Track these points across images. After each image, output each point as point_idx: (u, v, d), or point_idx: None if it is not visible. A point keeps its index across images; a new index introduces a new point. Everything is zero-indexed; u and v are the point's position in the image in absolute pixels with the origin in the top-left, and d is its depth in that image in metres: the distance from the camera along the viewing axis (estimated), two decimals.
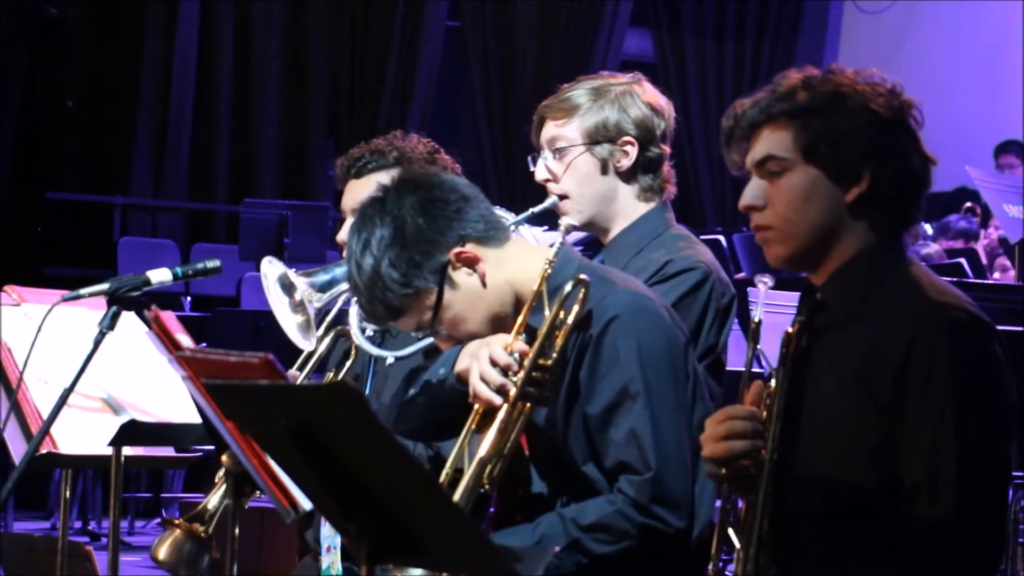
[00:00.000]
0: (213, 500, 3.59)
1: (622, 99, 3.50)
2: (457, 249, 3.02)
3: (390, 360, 3.53)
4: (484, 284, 3.03)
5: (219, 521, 3.54)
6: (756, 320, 2.74)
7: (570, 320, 2.95)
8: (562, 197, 3.53)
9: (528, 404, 2.93)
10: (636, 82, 3.55)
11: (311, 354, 3.78)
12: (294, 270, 3.50)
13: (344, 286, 3.53)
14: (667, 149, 3.55)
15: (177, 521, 3.59)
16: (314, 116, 13.19)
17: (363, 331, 3.44)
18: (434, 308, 3.01)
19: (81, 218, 12.30)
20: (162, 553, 3.56)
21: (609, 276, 3.10)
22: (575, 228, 3.34)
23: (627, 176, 3.51)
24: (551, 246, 3.09)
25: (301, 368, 3.79)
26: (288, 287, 3.53)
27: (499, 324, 3.05)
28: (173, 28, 12.50)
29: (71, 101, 12.58)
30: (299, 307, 3.52)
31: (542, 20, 14.07)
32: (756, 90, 2.75)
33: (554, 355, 2.94)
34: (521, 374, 2.91)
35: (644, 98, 3.52)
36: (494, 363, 2.94)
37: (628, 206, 3.51)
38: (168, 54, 12.48)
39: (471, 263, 3.03)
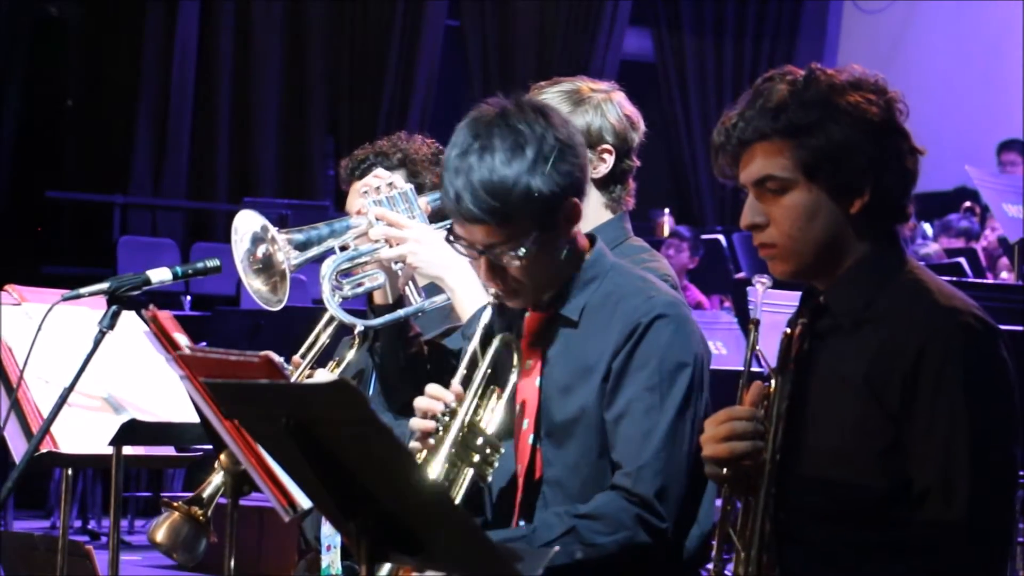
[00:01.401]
0: (211, 485, 3.58)
1: (604, 106, 3.51)
2: (576, 199, 3.01)
3: (359, 328, 3.52)
4: (567, 241, 3.04)
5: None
6: (755, 320, 2.74)
7: (507, 390, 2.99)
8: None
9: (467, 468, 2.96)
10: (614, 91, 3.56)
11: (313, 343, 3.77)
12: (276, 229, 3.49)
13: (320, 248, 3.51)
14: (637, 163, 3.57)
15: (176, 504, 3.59)
16: (314, 116, 13.20)
17: (334, 295, 3.42)
18: (537, 239, 2.95)
19: (81, 217, 12.31)
20: (160, 535, 3.57)
21: (648, 277, 3.11)
22: None
23: (600, 184, 3.53)
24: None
25: (304, 356, 3.78)
26: (260, 241, 3.50)
27: (548, 289, 3.04)
28: (173, 28, 12.51)
29: (71, 101, 12.59)
30: (266, 265, 3.50)
31: (542, 20, 14.09)
32: (743, 95, 2.73)
33: (493, 426, 2.98)
34: (459, 418, 2.95)
35: (623, 110, 3.53)
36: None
37: (594, 212, 3.53)
38: (168, 54, 12.49)
39: (576, 220, 3.03)
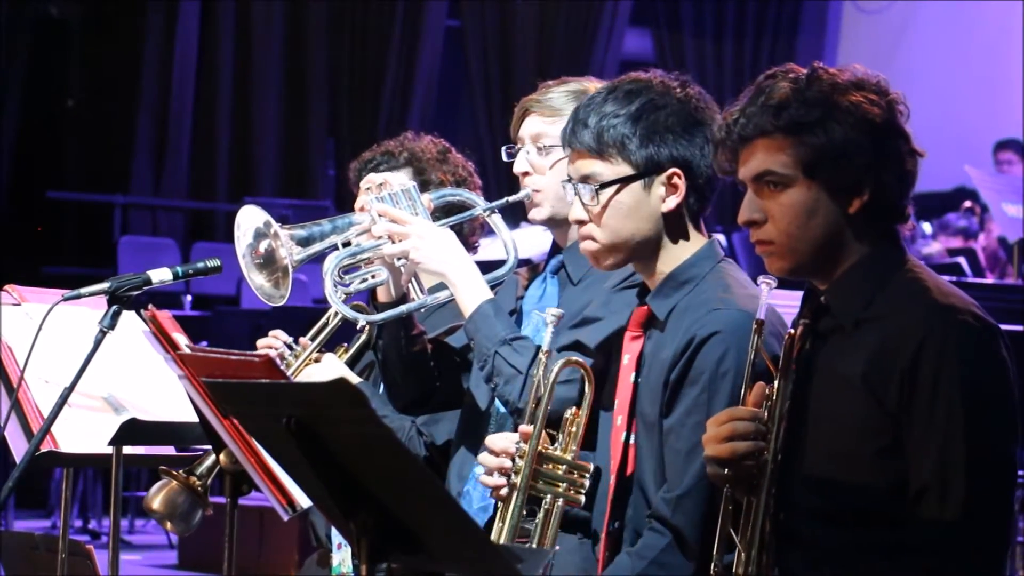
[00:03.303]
0: (210, 457, 3.58)
1: None
2: (677, 169, 3.04)
3: (362, 323, 3.53)
4: (659, 214, 3.04)
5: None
6: (759, 320, 2.74)
7: (583, 412, 3.01)
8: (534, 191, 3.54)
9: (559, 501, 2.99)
10: None
11: (323, 327, 3.77)
12: (279, 224, 3.49)
13: (323, 244, 3.50)
14: None
15: (175, 472, 3.58)
16: (314, 116, 13.19)
17: (336, 291, 3.41)
18: (616, 182, 3.02)
19: (81, 217, 12.30)
20: (156, 503, 3.56)
21: (732, 287, 3.05)
22: (540, 223, 3.40)
23: None
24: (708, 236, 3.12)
25: (313, 339, 3.77)
26: (262, 236, 3.49)
27: (619, 251, 3.06)
28: (173, 28, 12.50)
29: (71, 101, 12.58)
30: (268, 261, 3.49)
31: (542, 20, 14.08)
32: (745, 90, 2.73)
33: (573, 449, 3.01)
34: (525, 462, 2.98)
35: None
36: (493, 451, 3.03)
37: None
38: (168, 54, 12.48)
39: (673, 191, 3.04)
